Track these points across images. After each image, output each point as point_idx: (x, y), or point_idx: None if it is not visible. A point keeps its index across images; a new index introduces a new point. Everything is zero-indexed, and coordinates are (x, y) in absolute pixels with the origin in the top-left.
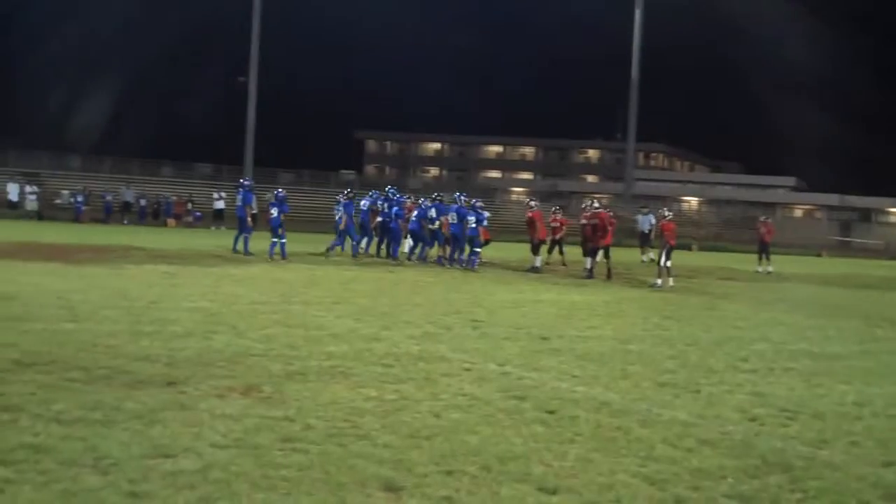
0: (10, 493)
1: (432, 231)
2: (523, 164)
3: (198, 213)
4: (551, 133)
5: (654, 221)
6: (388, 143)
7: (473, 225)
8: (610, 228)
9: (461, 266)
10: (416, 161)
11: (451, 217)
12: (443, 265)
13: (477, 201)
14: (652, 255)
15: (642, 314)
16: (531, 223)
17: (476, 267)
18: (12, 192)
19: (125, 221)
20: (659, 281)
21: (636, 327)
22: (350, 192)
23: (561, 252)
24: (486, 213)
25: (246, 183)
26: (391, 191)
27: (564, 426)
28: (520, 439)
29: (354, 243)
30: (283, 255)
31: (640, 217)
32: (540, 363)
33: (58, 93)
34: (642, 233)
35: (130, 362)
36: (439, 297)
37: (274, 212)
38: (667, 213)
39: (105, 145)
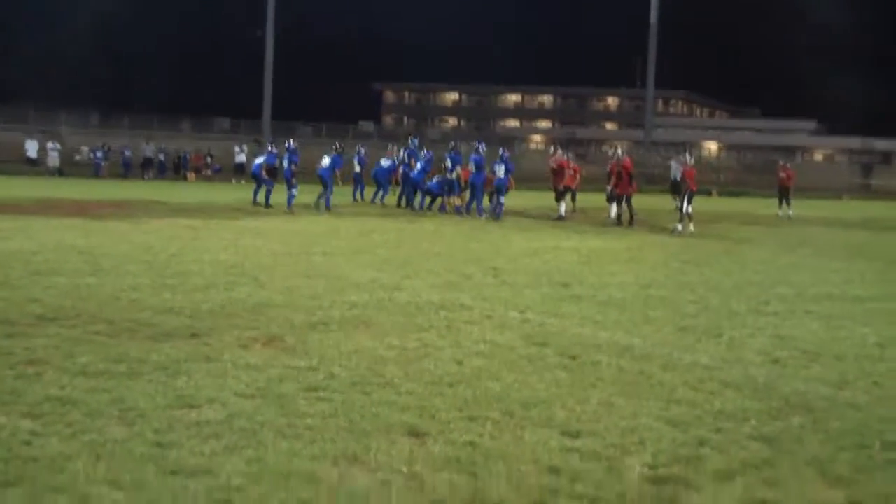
0: (37, 446)
1: (451, 181)
2: (542, 113)
3: (217, 166)
4: (570, 81)
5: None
6: (407, 93)
7: (503, 175)
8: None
9: (480, 216)
10: (435, 111)
11: (470, 166)
12: (461, 214)
13: (504, 151)
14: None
15: (663, 260)
16: (558, 171)
17: (501, 216)
18: (31, 148)
19: (145, 176)
20: (679, 226)
21: (657, 273)
22: (339, 146)
23: (573, 199)
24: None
25: (292, 146)
26: (413, 142)
27: (587, 371)
28: (542, 385)
29: (328, 194)
30: (288, 207)
31: (672, 164)
32: (561, 310)
33: (75, 49)
34: (674, 180)
35: (154, 315)
36: (459, 246)
37: (285, 163)
38: (688, 159)
39: (124, 101)
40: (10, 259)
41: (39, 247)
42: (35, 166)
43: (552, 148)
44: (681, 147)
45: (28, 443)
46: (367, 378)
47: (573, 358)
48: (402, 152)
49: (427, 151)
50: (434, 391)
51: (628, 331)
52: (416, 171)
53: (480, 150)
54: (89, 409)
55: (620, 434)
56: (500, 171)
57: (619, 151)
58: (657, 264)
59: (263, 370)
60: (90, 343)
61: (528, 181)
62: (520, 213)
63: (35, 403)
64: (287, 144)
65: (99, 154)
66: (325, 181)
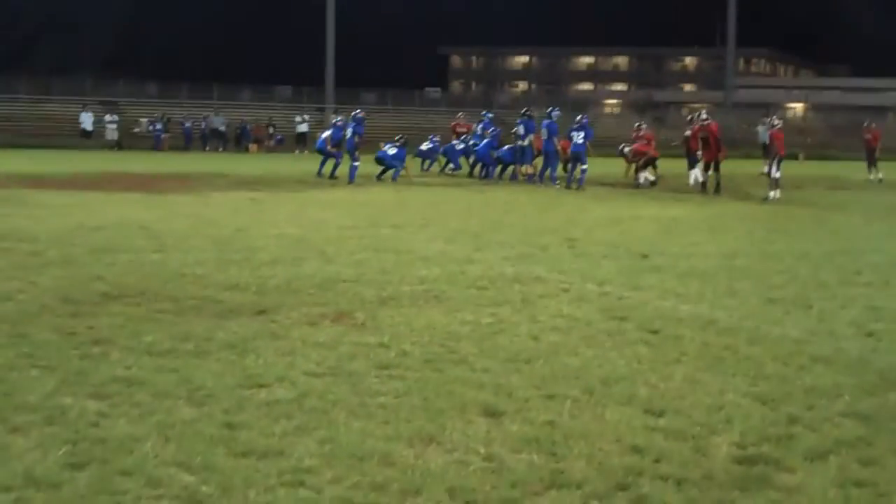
0: (105, 427)
1: (523, 148)
2: (616, 75)
3: (279, 136)
4: (645, 41)
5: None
6: (474, 57)
7: (581, 141)
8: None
9: (554, 184)
10: (504, 75)
11: (542, 133)
12: (534, 183)
13: (585, 117)
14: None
15: (747, 228)
16: (705, 140)
17: (583, 185)
18: (86, 121)
19: (206, 148)
20: (772, 194)
21: (741, 242)
22: (340, 119)
23: (650, 166)
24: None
25: (359, 115)
26: (487, 115)
27: (669, 346)
28: (623, 361)
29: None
30: (351, 179)
31: (760, 128)
32: (641, 282)
33: (131, 17)
34: (764, 144)
35: (219, 291)
36: (532, 216)
37: (349, 133)
38: (775, 122)
39: (182, 71)
40: (71, 236)
41: (101, 223)
42: (91, 139)
43: (698, 115)
44: (764, 109)
45: (95, 424)
46: (440, 355)
47: (655, 332)
48: (477, 126)
49: (495, 128)
50: (510, 368)
51: (712, 303)
52: (481, 145)
53: (553, 117)
54: (156, 389)
55: (706, 412)
56: (579, 137)
57: (704, 114)
58: (741, 233)
59: (333, 348)
60: (155, 321)
61: (604, 147)
62: (595, 181)
63: (101, 384)
64: (354, 114)
65: (158, 126)
66: (325, 153)
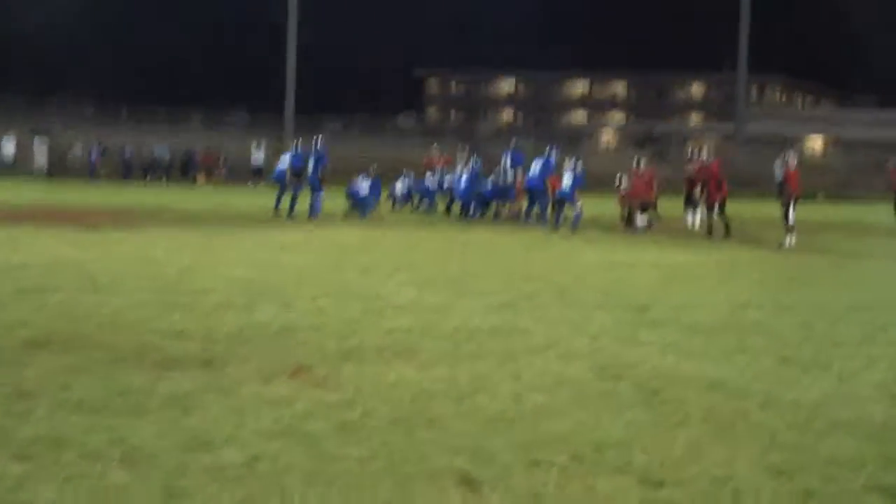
0: (28, 491)
1: (505, 186)
2: (613, 104)
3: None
4: (646, 66)
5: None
6: (454, 81)
7: (568, 185)
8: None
9: (545, 224)
10: (487, 103)
11: (532, 170)
12: (519, 223)
13: (578, 161)
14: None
15: (759, 277)
16: (705, 182)
17: (577, 227)
18: (7, 146)
19: (148, 178)
20: (787, 240)
21: (752, 292)
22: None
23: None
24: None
25: (319, 145)
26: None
27: (670, 409)
28: (618, 425)
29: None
30: (312, 214)
31: (776, 164)
32: (639, 336)
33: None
34: (780, 183)
35: (161, 339)
36: (518, 260)
37: (311, 164)
38: (789, 159)
39: (122, 92)
40: None
41: (27, 260)
42: (11, 167)
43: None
44: (779, 143)
45: (17, 488)
46: (410, 415)
47: (654, 393)
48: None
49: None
50: (489, 431)
51: (719, 362)
52: (461, 186)
53: (552, 155)
54: (87, 449)
55: (711, 484)
56: (568, 179)
57: (704, 154)
58: (752, 283)
59: (289, 405)
60: (87, 373)
61: (599, 186)
62: (589, 222)
63: (25, 443)
64: (315, 143)
65: (94, 153)
66: (283, 184)
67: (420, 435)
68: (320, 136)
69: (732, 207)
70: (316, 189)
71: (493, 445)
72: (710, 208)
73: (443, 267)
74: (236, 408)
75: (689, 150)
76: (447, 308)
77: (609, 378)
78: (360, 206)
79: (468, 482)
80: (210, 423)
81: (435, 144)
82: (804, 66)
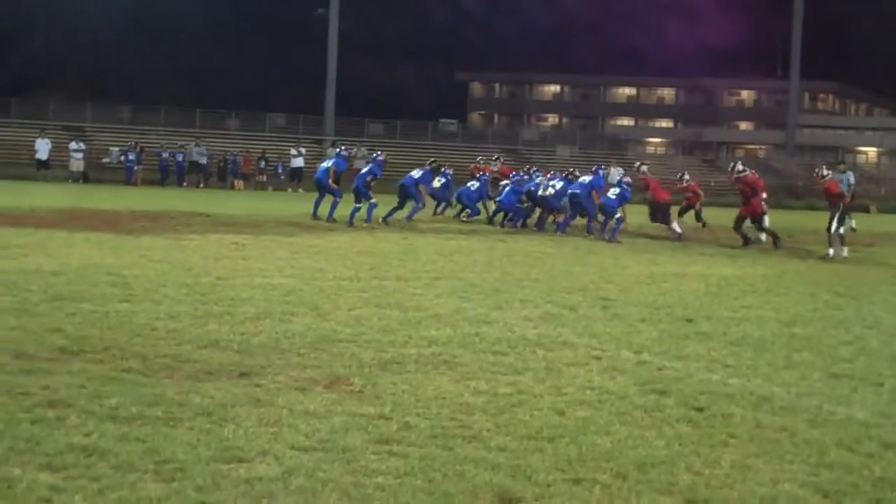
0: (58, 503)
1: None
2: (661, 110)
3: (278, 167)
4: (695, 71)
5: (852, 181)
6: (497, 85)
7: (614, 198)
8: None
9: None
10: (531, 107)
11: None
12: (564, 233)
13: (625, 177)
14: (853, 222)
15: (809, 290)
16: (742, 192)
17: (616, 237)
18: (42, 149)
19: (185, 183)
20: (831, 251)
21: (802, 307)
22: (345, 148)
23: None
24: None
25: (380, 158)
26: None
27: (716, 426)
28: (662, 442)
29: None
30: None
31: (837, 175)
32: (685, 350)
33: (105, 34)
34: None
35: (196, 349)
36: (561, 270)
37: (364, 170)
38: (825, 172)
39: (159, 94)
40: (28, 281)
41: (61, 266)
42: (47, 169)
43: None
44: (831, 152)
45: (47, 500)
46: (449, 430)
47: (699, 410)
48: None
49: (517, 173)
50: (530, 447)
51: (767, 377)
52: (505, 192)
53: (599, 173)
54: (119, 460)
55: None
56: (614, 193)
57: (740, 165)
58: (802, 296)
59: (325, 418)
60: (120, 382)
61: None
62: (634, 232)
63: (56, 453)
64: (375, 156)
65: (131, 156)
66: (323, 188)
67: (459, 450)
68: (379, 153)
69: (781, 217)
70: (362, 197)
71: (534, 462)
72: (736, 219)
73: (484, 277)
74: (271, 420)
75: (731, 161)
76: (488, 319)
77: (654, 393)
78: (408, 197)
79: (507, 499)
80: (245, 435)
81: (480, 158)
82: (858, 75)
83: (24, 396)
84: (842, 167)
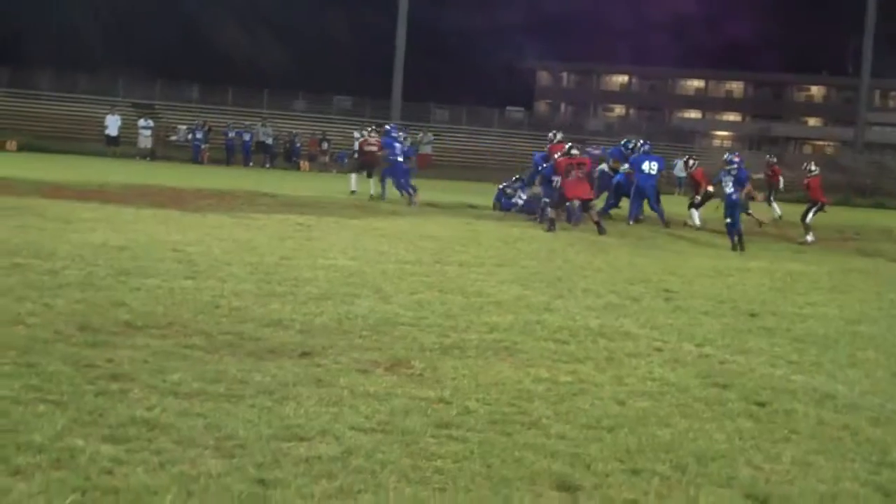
0: (120, 475)
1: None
2: (729, 103)
3: (342, 154)
4: (764, 66)
5: None
6: (565, 74)
7: (732, 190)
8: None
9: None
10: (598, 97)
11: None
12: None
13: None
14: None
15: (876, 289)
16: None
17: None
18: (112, 125)
19: (251, 163)
20: (809, 237)
21: (868, 305)
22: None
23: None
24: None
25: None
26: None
27: (778, 422)
28: (722, 435)
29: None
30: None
31: None
32: (748, 345)
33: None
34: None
35: (258, 328)
36: (624, 261)
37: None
38: (813, 168)
39: (228, 74)
40: (94, 254)
41: (127, 241)
42: (116, 146)
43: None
44: None
45: (109, 471)
46: (508, 416)
47: (761, 405)
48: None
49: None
50: (590, 436)
51: (831, 374)
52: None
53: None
54: (181, 435)
55: (818, 501)
56: (729, 183)
57: (812, 166)
58: (868, 294)
59: (385, 400)
60: (183, 358)
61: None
62: (699, 226)
63: (118, 426)
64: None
65: (198, 135)
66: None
67: (518, 437)
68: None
69: (849, 215)
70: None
71: (593, 451)
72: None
73: (546, 265)
74: (332, 400)
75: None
76: (549, 307)
77: (715, 387)
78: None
79: (565, 487)
80: (305, 414)
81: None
82: None
83: (88, 369)
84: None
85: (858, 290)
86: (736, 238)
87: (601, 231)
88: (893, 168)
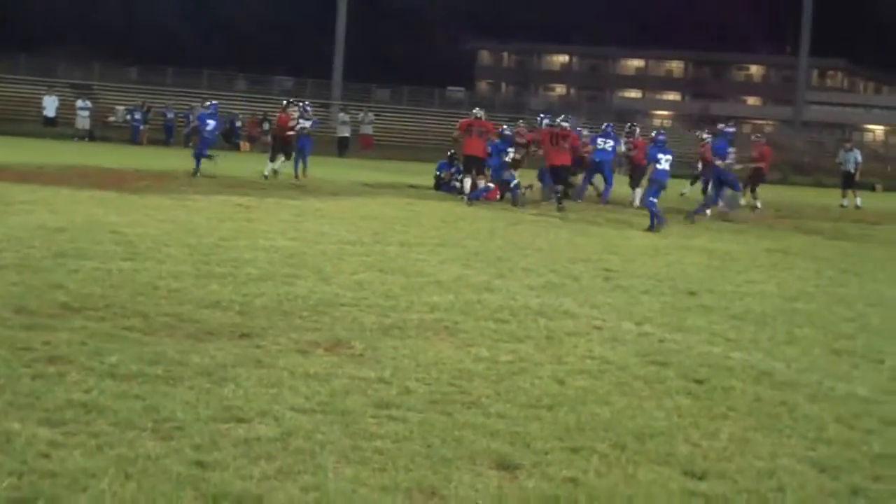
0: (57, 458)
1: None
2: (669, 83)
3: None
4: (704, 45)
5: (859, 159)
6: (505, 54)
7: (666, 166)
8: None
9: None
10: (539, 76)
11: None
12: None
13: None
14: (858, 200)
15: (814, 267)
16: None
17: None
18: (49, 106)
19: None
20: (709, 212)
21: (806, 282)
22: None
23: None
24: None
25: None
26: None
27: (716, 399)
28: (661, 413)
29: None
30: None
31: (841, 153)
32: (686, 323)
33: None
34: (846, 172)
35: (197, 309)
36: (565, 240)
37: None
38: (706, 136)
39: (167, 54)
40: (31, 236)
41: (65, 223)
42: (53, 127)
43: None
44: (838, 129)
45: (46, 455)
46: (448, 395)
47: (699, 382)
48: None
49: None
50: (529, 415)
51: (768, 352)
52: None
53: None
54: (118, 417)
55: (756, 477)
56: (665, 161)
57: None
58: (806, 272)
59: (325, 381)
60: (121, 340)
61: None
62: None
63: (55, 409)
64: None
65: (137, 116)
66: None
67: (458, 416)
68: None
69: (788, 193)
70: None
71: (533, 430)
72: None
73: (487, 244)
74: (271, 381)
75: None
76: (490, 287)
77: (654, 365)
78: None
79: (505, 466)
80: (244, 395)
81: (520, 121)
82: (867, 52)
83: (24, 351)
84: (848, 145)
85: (796, 269)
86: (656, 221)
87: (560, 208)
88: (831, 147)
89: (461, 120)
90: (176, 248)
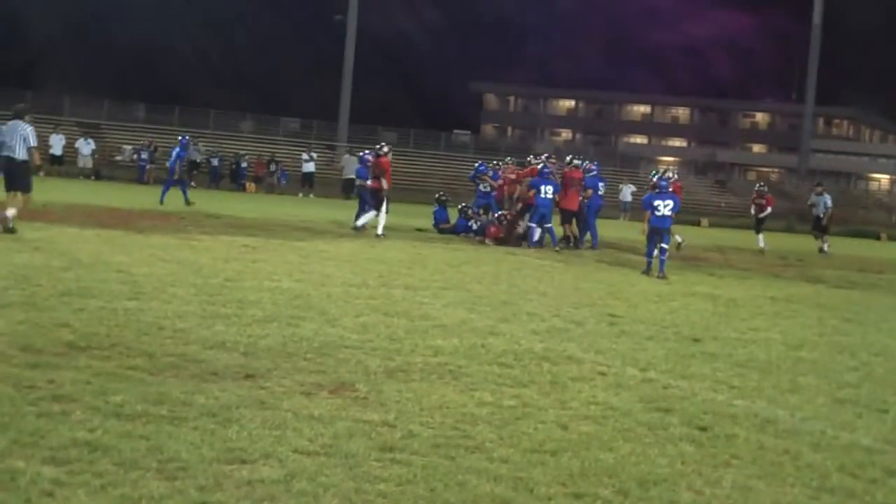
0: (60, 498)
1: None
2: (675, 129)
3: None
4: (710, 92)
5: (829, 203)
6: (512, 98)
7: (668, 213)
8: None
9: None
10: (545, 121)
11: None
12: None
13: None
14: (825, 245)
15: (818, 315)
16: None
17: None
18: (56, 144)
19: (192, 184)
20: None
21: (810, 331)
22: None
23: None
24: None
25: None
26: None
27: (719, 446)
28: (664, 460)
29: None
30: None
31: (813, 196)
32: (690, 370)
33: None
34: (816, 217)
35: (202, 350)
36: (569, 285)
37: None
38: (670, 175)
39: (175, 94)
40: (37, 275)
41: (71, 262)
42: (60, 165)
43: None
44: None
45: (50, 494)
46: (452, 439)
47: (703, 429)
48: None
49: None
50: (533, 460)
51: (772, 400)
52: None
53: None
54: (122, 457)
55: None
56: (666, 208)
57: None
58: (810, 320)
59: (329, 423)
60: (126, 379)
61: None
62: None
63: (60, 447)
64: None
65: (144, 155)
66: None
67: (461, 460)
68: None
69: (792, 241)
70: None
71: (536, 475)
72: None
73: (492, 289)
74: (275, 423)
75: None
76: (494, 331)
77: (658, 411)
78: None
79: None
80: (248, 437)
81: (508, 158)
82: (874, 101)
83: (29, 390)
84: (819, 189)
85: (800, 316)
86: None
87: (577, 246)
88: (836, 195)
89: (566, 171)
90: (181, 288)
